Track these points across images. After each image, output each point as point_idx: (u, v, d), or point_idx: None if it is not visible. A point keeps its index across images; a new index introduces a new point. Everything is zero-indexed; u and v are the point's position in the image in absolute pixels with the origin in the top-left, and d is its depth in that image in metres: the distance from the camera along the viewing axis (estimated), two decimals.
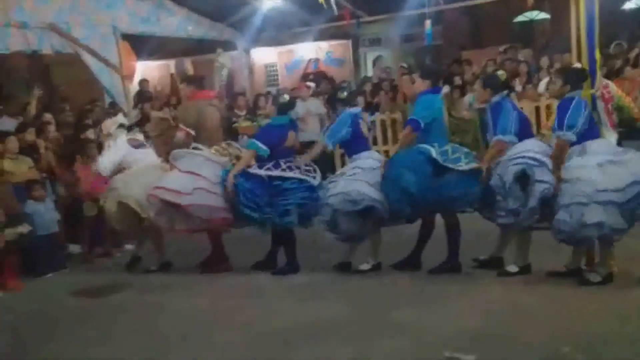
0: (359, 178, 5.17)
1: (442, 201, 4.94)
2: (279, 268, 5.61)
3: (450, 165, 4.87)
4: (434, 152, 4.90)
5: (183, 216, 5.50)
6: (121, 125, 6.29)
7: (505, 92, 5.18)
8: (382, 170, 5.11)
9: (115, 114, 7.98)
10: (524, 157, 4.68)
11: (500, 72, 7.96)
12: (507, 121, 4.86)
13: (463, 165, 4.88)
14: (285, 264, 5.58)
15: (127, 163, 6.02)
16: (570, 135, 4.56)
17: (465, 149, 5.14)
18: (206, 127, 6.00)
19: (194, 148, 5.78)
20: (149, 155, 6.20)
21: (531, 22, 13.65)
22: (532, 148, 4.75)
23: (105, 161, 6.04)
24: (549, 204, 4.58)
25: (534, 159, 4.65)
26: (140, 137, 6.35)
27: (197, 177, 5.47)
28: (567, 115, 4.56)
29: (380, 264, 5.41)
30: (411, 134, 5.07)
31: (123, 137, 6.14)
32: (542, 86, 8.84)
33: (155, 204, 5.53)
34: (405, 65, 10.80)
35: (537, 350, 3.66)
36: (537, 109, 8.48)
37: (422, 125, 4.99)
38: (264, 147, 5.38)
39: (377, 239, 5.44)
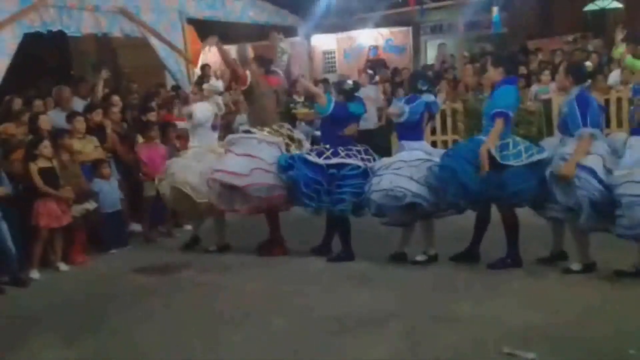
0: (402, 173, 5.09)
1: (501, 196, 4.85)
2: (335, 255, 5.62)
3: (510, 163, 4.76)
4: (493, 149, 4.79)
5: (242, 197, 5.60)
6: (220, 93, 6.51)
7: (587, 83, 4.98)
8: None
9: (180, 98, 8.16)
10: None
11: (587, 63, 7.73)
12: (595, 114, 4.64)
13: (523, 160, 4.76)
14: (340, 252, 5.59)
15: (196, 133, 6.21)
16: None
17: (527, 142, 4.96)
18: (264, 111, 6.02)
19: (245, 132, 5.87)
20: (211, 138, 6.33)
21: (603, 11, 13.08)
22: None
23: (196, 117, 6.22)
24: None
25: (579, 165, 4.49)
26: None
27: (253, 158, 5.56)
28: None
29: (437, 256, 5.34)
30: (503, 127, 4.79)
31: (213, 109, 6.30)
32: (613, 78, 8.47)
33: (215, 187, 5.65)
34: (467, 54, 10.57)
35: (601, 351, 3.54)
36: (607, 101, 8.14)
37: (511, 115, 4.83)
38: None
39: (429, 229, 5.36)
